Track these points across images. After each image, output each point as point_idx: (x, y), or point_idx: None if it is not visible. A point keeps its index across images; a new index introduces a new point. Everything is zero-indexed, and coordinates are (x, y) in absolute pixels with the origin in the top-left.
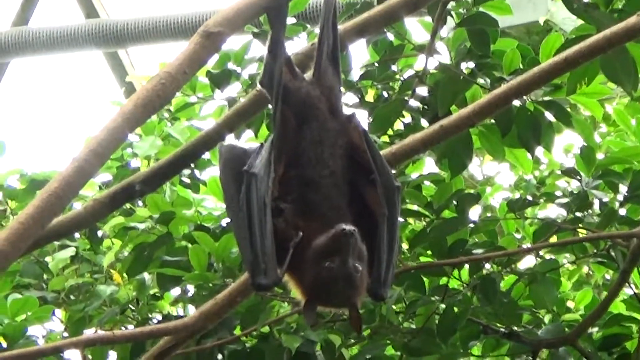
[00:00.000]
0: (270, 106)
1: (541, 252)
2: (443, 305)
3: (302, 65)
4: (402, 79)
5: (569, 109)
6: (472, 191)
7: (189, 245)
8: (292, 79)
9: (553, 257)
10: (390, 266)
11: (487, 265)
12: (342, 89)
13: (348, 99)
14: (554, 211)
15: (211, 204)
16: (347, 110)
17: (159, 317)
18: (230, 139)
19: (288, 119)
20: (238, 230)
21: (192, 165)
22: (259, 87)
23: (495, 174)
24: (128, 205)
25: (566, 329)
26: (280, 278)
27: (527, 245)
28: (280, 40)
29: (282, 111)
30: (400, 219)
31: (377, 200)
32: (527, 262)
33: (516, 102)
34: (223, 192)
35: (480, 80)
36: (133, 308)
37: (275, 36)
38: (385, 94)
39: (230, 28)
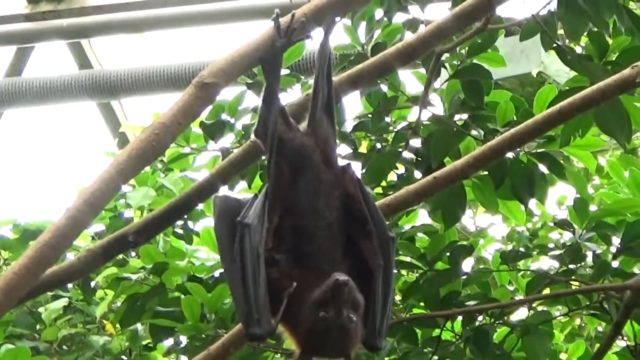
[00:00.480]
0: (264, 157)
1: (534, 304)
2: (436, 357)
3: (296, 116)
4: (395, 130)
5: (562, 161)
6: (465, 243)
7: (182, 296)
8: (287, 130)
9: (546, 309)
10: (385, 317)
11: (480, 317)
12: (337, 140)
13: (341, 150)
14: (546, 263)
15: (204, 255)
16: (341, 162)
17: None
18: (224, 190)
19: (282, 170)
20: (232, 281)
21: (186, 216)
22: (253, 137)
23: (488, 226)
24: (121, 256)
25: None
26: (274, 328)
27: (520, 297)
28: (275, 91)
29: (277, 162)
30: (394, 271)
31: (372, 251)
32: (520, 314)
33: (509, 154)
34: (217, 243)
35: (474, 132)
36: (126, 359)
37: (269, 87)
38: (378, 145)
39: (224, 79)
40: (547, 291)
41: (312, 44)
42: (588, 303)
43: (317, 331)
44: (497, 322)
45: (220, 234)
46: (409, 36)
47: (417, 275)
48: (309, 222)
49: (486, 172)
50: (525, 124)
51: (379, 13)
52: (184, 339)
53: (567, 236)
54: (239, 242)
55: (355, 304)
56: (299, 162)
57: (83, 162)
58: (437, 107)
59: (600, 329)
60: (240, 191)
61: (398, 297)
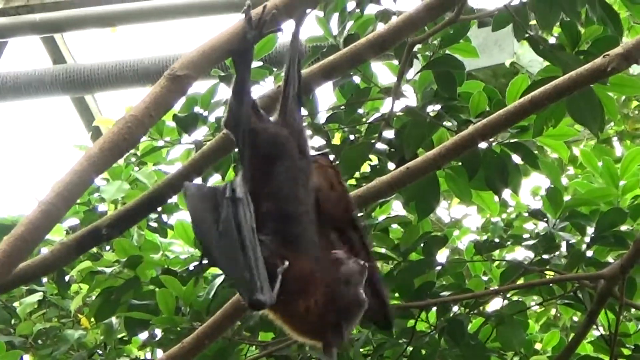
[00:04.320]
0: (236, 149)
1: (508, 294)
2: (410, 348)
3: (267, 108)
4: (368, 122)
5: (535, 152)
6: (439, 234)
7: (157, 289)
8: (258, 121)
9: (520, 299)
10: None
11: (455, 308)
12: (310, 131)
13: (315, 141)
14: (521, 254)
15: (178, 248)
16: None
17: None
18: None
19: (257, 161)
20: (223, 257)
21: (159, 209)
22: (224, 130)
23: (462, 217)
24: (95, 250)
25: None
26: (274, 299)
27: (494, 287)
28: (245, 83)
29: (251, 153)
30: None
31: (360, 244)
32: (495, 305)
33: (483, 145)
34: (195, 227)
35: (447, 123)
36: (101, 352)
37: (240, 79)
38: (352, 137)
39: (196, 71)
40: (521, 281)
41: (285, 36)
42: (562, 293)
43: (349, 308)
44: (471, 312)
45: (198, 218)
46: (381, 27)
47: (392, 266)
48: (292, 208)
49: (460, 163)
50: (497, 114)
51: (351, 4)
52: (159, 332)
53: (541, 226)
54: (233, 216)
55: None
56: (274, 151)
57: (58, 156)
58: (410, 98)
59: (575, 319)
60: (214, 184)
61: None
